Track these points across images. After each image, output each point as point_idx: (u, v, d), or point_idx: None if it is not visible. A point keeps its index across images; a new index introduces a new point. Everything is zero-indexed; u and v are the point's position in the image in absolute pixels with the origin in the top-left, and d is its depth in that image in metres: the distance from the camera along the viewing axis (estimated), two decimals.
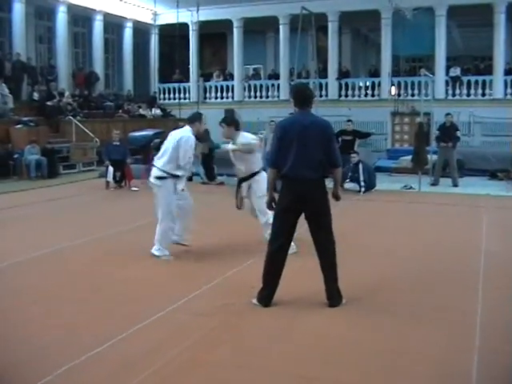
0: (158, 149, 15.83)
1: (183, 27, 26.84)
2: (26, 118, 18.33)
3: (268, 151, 13.63)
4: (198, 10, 25.46)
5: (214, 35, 28.44)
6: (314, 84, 25.18)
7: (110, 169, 14.08)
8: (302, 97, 5.50)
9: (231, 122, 7.62)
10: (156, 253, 7.19)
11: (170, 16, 27.12)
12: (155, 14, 27.79)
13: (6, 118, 18.47)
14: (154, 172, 7.25)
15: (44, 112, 19.56)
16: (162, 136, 17.83)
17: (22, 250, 7.64)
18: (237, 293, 5.86)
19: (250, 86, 26.96)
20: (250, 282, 5.89)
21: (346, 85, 25.32)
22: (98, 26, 25.06)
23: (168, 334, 4.87)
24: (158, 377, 4.08)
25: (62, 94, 21.24)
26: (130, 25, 26.84)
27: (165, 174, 7.15)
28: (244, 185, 7.46)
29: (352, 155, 13.66)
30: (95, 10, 24.59)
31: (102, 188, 14.07)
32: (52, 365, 4.20)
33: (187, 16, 26.47)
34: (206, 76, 27.86)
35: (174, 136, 7.28)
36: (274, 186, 5.48)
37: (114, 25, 26.35)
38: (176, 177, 7.17)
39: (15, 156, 17.04)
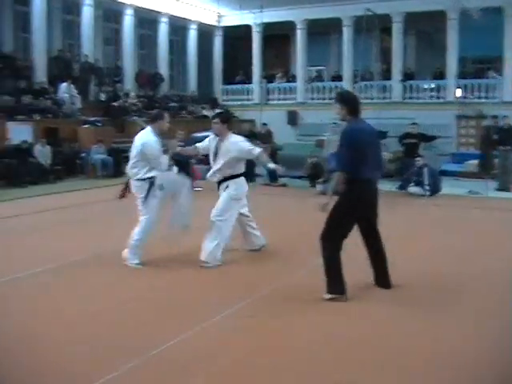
0: None
1: (247, 29, 26.99)
2: (92, 118, 18.77)
3: (331, 153, 13.63)
4: (261, 12, 25.60)
5: (277, 36, 28.42)
6: (377, 86, 25.08)
7: (175, 169, 14.21)
8: (356, 104, 5.79)
9: (226, 119, 7.34)
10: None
11: (233, 18, 27.35)
12: (219, 16, 27.99)
13: (73, 118, 18.92)
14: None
15: (110, 112, 19.94)
16: None
17: (78, 250, 7.76)
18: (296, 297, 5.85)
19: (312, 87, 26.84)
20: (311, 285, 5.88)
21: (411, 87, 24.91)
22: (163, 28, 25.43)
23: (224, 338, 4.86)
24: (213, 382, 4.09)
25: (127, 95, 21.66)
26: (194, 26, 27.13)
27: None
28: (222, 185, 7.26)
29: (417, 159, 13.45)
30: (161, 13, 24.96)
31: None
32: (108, 367, 4.26)
33: (251, 18, 26.60)
34: (268, 77, 27.87)
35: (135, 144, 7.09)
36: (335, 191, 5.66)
37: (178, 27, 26.66)
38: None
39: (82, 155, 17.48)
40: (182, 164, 14.27)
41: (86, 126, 18.41)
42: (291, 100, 26.85)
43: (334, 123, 15.88)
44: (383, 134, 15.82)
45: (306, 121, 25.71)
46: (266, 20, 25.96)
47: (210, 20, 27.88)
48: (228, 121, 7.32)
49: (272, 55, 29.15)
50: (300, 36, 26.68)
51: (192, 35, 27.25)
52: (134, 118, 19.63)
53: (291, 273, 6.72)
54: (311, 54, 26.96)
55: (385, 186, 14.46)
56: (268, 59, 28.32)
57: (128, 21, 23.70)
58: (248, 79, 27.99)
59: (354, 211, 5.71)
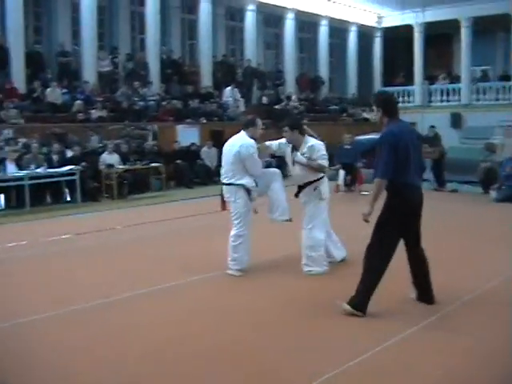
0: None
1: (407, 29, 26.30)
2: (281, 124, 18.98)
3: (509, 158, 12.87)
4: (423, 11, 24.87)
5: (439, 36, 27.43)
6: None
7: (341, 172, 14.09)
8: (392, 105, 5.46)
9: (295, 125, 6.87)
10: None
11: (394, 18, 26.76)
12: (379, 17, 27.52)
13: (237, 121, 19.28)
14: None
15: (272, 115, 20.11)
16: None
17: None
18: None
19: (478, 88, 25.60)
20: None
21: None
22: (323, 31, 25.41)
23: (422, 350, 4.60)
24: None
25: (289, 98, 21.82)
26: (354, 28, 26.87)
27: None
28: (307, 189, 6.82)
29: None
30: (321, 16, 24.95)
31: (332, 191, 14.09)
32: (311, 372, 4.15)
33: (412, 17, 25.92)
34: (430, 79, 26.97)
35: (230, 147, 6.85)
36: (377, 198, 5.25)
37: (338, 29, 26.51)
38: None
39: None
40: (348, 167, 14.19)
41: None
42: (455, 102, 25.80)
43: (510, 126, 15.09)
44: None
45: (470, 123, 24.58)
46: (428, 19, 25.22)
47: (370, 21, 27.49)
48: (297, 126, 6.88)
49: (433, 55, 28.16)
50: (464, 34, 25.56)
51: (352, 37, 27.00)
52: None
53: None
54: (475, 53, 25.74)
55: None
56: (429, 60, 27.40)
57: (289, 25, 23.90)
58: (408, 81, 27.24)
59: (397, 220, 5.27)
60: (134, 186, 14.33)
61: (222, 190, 7.07)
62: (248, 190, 6.77)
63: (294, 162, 6.86)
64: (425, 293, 5.59)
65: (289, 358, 4.44)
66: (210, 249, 7.94)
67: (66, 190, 13.21)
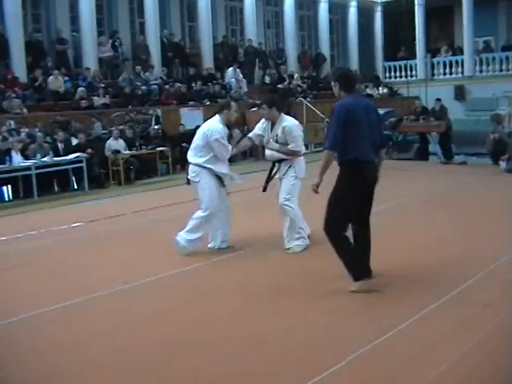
0: (393, 128, 15.69)
1: (408, 2, 26.00)
2: (259, 101, 18.88)
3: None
4: None
5: (441, 8, 27.12)
6: None
7: None
8: (348, 80, 5.41)
9: (273, 102, 6.90)
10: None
11: None
12: None
13: (241, 101, 19.20)
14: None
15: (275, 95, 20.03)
16: (394, 115, 17.66)
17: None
18: None
19: (481, 59, 25.36)
20: None
21: None
22: (323, 8, 25.20)
23: (451, 327, 4.54)
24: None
25: (291, 77, 21.68)
26: (354, 4, 26.60)
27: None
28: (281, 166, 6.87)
29: None
30: None
31: None
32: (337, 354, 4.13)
33: None
34: (432, 52, 26.72)
35: (201, 129, 6.93)
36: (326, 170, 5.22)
37: (338, 5, 26.31)
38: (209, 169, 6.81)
39: None
40: None
41: (254, 109, 18.58)
42: (458, 74, 25.58)
43: None
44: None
45: (474, 95, 24.40)
46: None
47: None
48: (274, 104, 6.88)
49: (435, 28, 27.95)
50: (466, 5, 25.17)
51: (352, 13, 26.73)
52: (300, 98, 19.67)
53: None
54: (477, 24, 25.43)
55: None
56: (431, 33, 27.21)
57: (288, 2, 23.67)
58: (410, 55, 27.00)
59: (352, 193, 5.19)
60: (140, 171, 14.28)
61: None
62: (218, 176, 6.88)
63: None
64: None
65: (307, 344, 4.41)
66: None
67: (73, 178, 13.16)
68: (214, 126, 6.81)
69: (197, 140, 6.89)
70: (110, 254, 7.28)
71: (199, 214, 6.89)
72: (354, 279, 5.25)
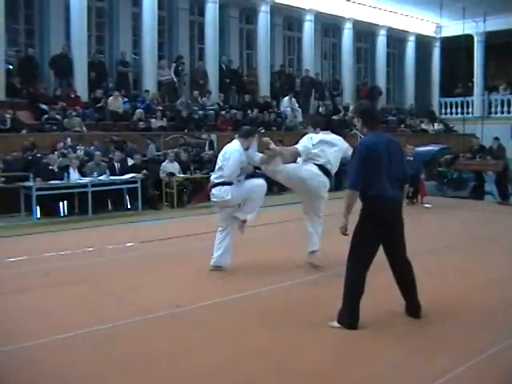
0: (448, 165, 15.46)
1: (467, 39, 25.81)
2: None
3: None
4: (484, 21, 24.40)
5: (500, 46, 26.82)
6: None
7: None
8: (370, 115, 5.44)
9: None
10: None
11: (453, 28, 26.28)
12: (438, 27, 27.13)
13: (296, 130, 19.28)
14: None
15: (330, 126, 19.98)
16: (449, 152, 17.43)
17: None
18: None
19: None
20: None
21: None
22: (381, 41, 25.26)
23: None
24: None
25: (346, 109, 21.67)
26: (412, 38, 26.58)
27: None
28: None
29: None
30: (379, 25, 24.79)
31: None
32: None
33: (472, 27, 25.45)
34: (490, 89, 26.45)
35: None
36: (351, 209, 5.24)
37: (396, 39, 26.31)
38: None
39: None
40: (411, 179, 13.92)
41: None
42: None
43: None
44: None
45: None
46: (489, 29, 24.77)
47: (429, 31, 27.15)
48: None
49: (494, 66, 27.62)
50: None
51: (410, 47, 26.72)
52: (354, 131, 19.59)
53: None
54: None
55: None
56: (490, 70, 26.89)
57: (346, 34, 23.85)
58: (467, 91, 26.74)
59: (369, 231, 5.18)
60: (193, 194, 14.39)
61: None
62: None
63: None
64: (409, 304, 5.46)
65: None
66: (275, 257, 7.91)
67: (127, 198, 13.34)
68: (235, 147, 7.29)
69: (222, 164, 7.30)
70: (162, 275, 7.30)
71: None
72: (338, 321, 5.22)
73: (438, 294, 6.17)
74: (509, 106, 25.55)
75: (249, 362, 4.57)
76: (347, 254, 5.28)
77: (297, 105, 20.16)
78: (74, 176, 12.65)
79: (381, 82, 25.24)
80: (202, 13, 19.77)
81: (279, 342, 4.96)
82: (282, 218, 11.77)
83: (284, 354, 4.70)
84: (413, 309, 5.44)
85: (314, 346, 4.90)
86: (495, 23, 24.65)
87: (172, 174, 14.02)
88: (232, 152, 7.22)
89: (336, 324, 5.20)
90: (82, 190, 12.35)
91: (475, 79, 26.31)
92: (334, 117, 20.48)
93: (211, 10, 19.33)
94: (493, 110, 25.98)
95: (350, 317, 5.16)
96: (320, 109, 21.65)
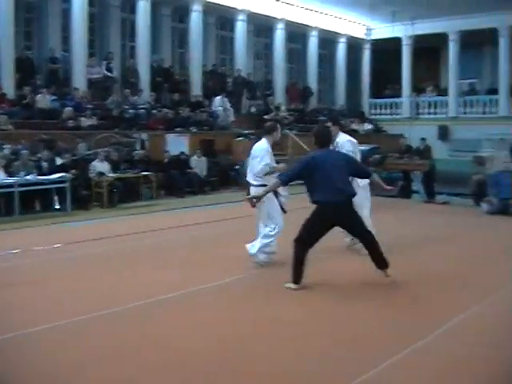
0: (377, 164, 15.78)
1: (396, 41, 26.46)
2: (246, 131, 19.03)
3: (499, 172, 12.91)
4: (412, 24, 25.04)
5: (427, 49, 27.60)
6: None
7: None
8: (325, 138, 6.76)
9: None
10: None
11: (383, 30, 26.91)
12: (368, 29, 27.65)
13: (228, 130, 19.32)
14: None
15: (262, 125, 20.08)
16: (378, 152, 17.78)
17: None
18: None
19: (465, 101, 25.80)
20: None
21: None
22: (312, 42, 25.52)
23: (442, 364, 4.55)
24: None
25: (278, 108, 21.81)
26: (343, 40, 26.97)
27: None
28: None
29: None
30: (311, 27, 25.04)
31: None
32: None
33: (401, 30, 26.13)
34: (418, 91, 27.15)
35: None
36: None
37: (327, 40, 26.61)
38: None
39: (236, 167, 17.74)
40: None
41: (240, 138, 18.69)
42: (442, 114, 26.00)
43: (502, 139, 15.16)
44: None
45: (457, 136, 24.77)
46: (417, 32, 25.46)
47: (359, 33, 27.64)
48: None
49: (422, 68, 28.35)
50: (452, 48, 25.81)
51: (341, 49, 27.11)
52: (286, 131, 19.73)
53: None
54: (463, 67, 25.95)
55: None
56: (417, 72, 27.59)
57: (278, 35, 23.95)
58: (396, 93, 27.40)
59: (318, 225, 6.51)
60: (124, 194, 14.22)
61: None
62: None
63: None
64: (378, 260, 6.58)
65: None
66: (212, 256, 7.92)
67: (56, 198, 13.03)
68: (261, 145, 7.51)
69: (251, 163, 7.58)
70: (91, 276, 7.19)
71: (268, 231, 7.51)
72: (293, 282, 6.47)
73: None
74: (435, 107, 26.34)
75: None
76: (297, 236, 6.45)
77: (229, 104, 20.13)
78: (0, 176, 12.30)
79: (312, 82, 25.49)
80: (133, 10, 19.49)
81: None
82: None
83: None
84: (381, 262, 6.56)
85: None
86: (423, 27, 25.38)
87: (102, 174, 13.82)
88: (260, 150, 7.45)
89: (289, 284, 6.46)
90: (9, 190, 12.00)
91: (403, 81, 26.93)
92: (265, 116, 20.55)
93: (143, 7, 19.09)
94: (420, 111, 26.69)
95: (297, 277, 6.45)
96: (252, 108, 21.69)
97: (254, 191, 7.33)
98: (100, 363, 4.54)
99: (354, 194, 6.62)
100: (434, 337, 5.04)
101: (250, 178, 7.57)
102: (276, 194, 7.41)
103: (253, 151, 7.52)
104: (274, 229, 7.43)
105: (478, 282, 7.02)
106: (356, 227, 6.69)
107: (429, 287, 6.75)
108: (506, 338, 5.16)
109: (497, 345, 4.96)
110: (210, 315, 5.73)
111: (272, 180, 7.19)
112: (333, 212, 6.42)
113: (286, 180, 6.59)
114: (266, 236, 7.46)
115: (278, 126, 7.83)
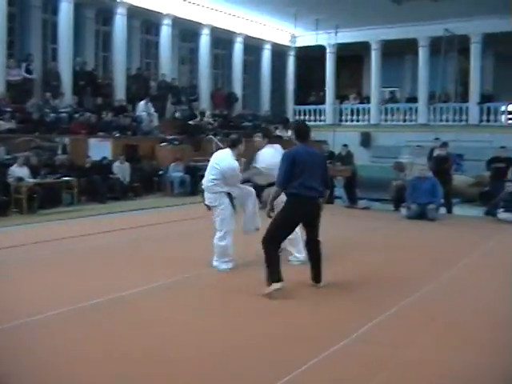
0: None
1: (320, 49, 26.90)
2: (170, 137, 18.94)
3: (416, 177, 13.31)
4: (336, 33, 25.50)
5: (351, 57, 28.19)
6: (454, 108, 24.60)
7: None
8: (304, 133, 6.93)
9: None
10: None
11: (307, 38, 27.23)
12: (293, 37, 27.98)
13: (152, 135, 19.15)
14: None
15: (186, 131, 20.06)
16: None
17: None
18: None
19: (386, 109, 26.49)
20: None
21: (488, 109, 24.26)
22: (237, 48, 25.60)
23: (355, 367, 4.63)
24: None
25: (203, 114, 21.78)
26: (268, 47, 27.20)
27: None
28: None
29: (507, 184, 12.95)
30: (236, 33, 25.13)
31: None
32: None
33: (325, 38, 26.56)
34: (341, 98, 27.67)
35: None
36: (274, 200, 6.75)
37: (252, 47, 26.70)
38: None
39: (160, 172, 17.62)
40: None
41: (164, 143, 18.59)
42: (364, 121, 26.60)
43: (418, 146, 15.62)
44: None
45: (379, 143, 25.40)
46: (341, 41, 25.94)
47: (284, 40, 27.92)
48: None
49: (345, 76, 28.97)
50: (374, 57, 26.45)
51: (265, 55, 27.33)
52: (210, 136, 19.77)
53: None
54: (385, 75, 26.63)
55: (470, 212, 14.19)
56: (341, 80, 28.15)
57: (204, 40, 23.92)
58: (320, 100, 27.85)
59: (289, 220, 6.67)
60: (44, 200, 13.87)
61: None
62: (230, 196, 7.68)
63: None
64: (316, 275, 6.86)
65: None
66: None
67: None
68: (231, 162, 7.61)
69: (213, 174, 7.62)
70: (13, 283, 7.01)
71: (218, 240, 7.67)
72: (272, 281, 6.40)
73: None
74: (358, 114, 26.90)
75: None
76: (265, 235, 6.55)
77: (153, 109, 19.94)
78: None
79: (237, 88, 25.58)
80: (56, 12, 19.06)
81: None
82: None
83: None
84: (318, 277, 6.84)
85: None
86: (346, 36, 25.87)
87: (21, 179, 13.46)
88: (225, 159, 7.62)
89: (268, 289, 6.39)
90: None
91: (327, 88, 27.39)
92: (190, 122, 20.52)
93: (65, 9, 18.66)
94: (343, 117, 27.22)
95: (277, 275, 6.41)
96: (176, 113, 21.59)
97: (211, 198, 7.65)
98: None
99: (322, 196, 6.77)
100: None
101: (208, 183, 7.66)
102: (231, 198, 7.64)
103: (220, 161, 7.60)
104: (226, 232, 7.63)
105: (401, 282, 7.25)
106: (316, 230, 6.84)
107: (352, 290, 6.93)
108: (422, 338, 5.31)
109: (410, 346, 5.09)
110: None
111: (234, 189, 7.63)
112: (305, 205, 6.58)
113: (282, 183, 6.59)
114: (219, 239, 7.63)
115: (243, 139, 7.96)
